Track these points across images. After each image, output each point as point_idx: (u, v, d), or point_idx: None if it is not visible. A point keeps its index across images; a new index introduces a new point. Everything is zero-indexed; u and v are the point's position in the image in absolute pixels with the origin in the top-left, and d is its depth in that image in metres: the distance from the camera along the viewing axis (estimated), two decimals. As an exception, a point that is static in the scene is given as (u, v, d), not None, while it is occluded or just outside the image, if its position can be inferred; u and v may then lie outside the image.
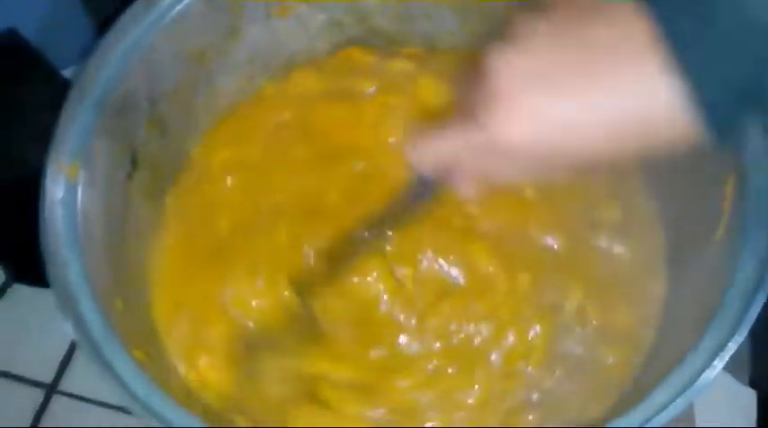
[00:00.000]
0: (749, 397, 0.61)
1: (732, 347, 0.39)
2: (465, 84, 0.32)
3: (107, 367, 0.38)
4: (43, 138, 0.45)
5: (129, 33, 0.47)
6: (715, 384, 0.57)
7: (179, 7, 0.48)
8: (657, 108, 0.27)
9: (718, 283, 0.40)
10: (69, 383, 0.67)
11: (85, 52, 0.48)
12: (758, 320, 0.60)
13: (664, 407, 0.38)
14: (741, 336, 0.39)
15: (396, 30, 0.56)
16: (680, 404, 0.38)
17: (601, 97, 0.28)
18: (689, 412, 0.58)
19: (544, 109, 0.29)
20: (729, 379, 0.62)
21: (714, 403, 0.59)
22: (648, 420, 0.37)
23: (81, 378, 0.67)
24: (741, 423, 0.59)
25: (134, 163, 0.48)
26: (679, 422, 0.57)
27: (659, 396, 0.38)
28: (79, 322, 0.39)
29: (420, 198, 0.40)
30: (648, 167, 0.49)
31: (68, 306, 0.39)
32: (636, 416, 0.38)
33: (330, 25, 0.55)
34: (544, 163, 0.31)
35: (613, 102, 0.28)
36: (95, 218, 0.44)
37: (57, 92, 0.68)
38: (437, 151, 0.34)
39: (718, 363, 0.38)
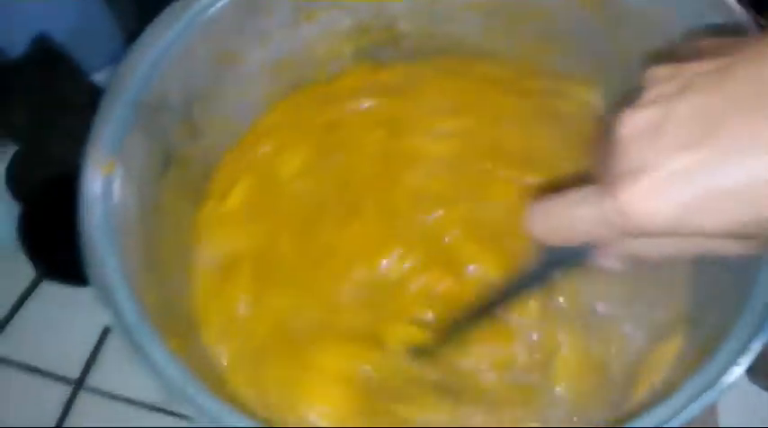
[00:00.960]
0: (769, 402, 0.61)
1: (755, 348, 0.39)
2: (598, 150, 0.28)
3: (143, 354, 0.39)
4: (75, 139, 0.46)
5: (164, 34, 0.48)
6: (736, 389, 0.58)
7: (212, 10, 0.50)
8: None
9: (743, 283, 0.41)
10: (96, 380, 0.68)
11: (113, 59, 0.49)
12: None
13: (683, 408, 0.38)
14: (765, 337, 0.39)
15: (421, 33, 0.57)
16: (697, 406, 0.38)
17: (744, 159, 0.24)
18: (712, 417, 0.58)
19: (682, 178, 0.25)
20: (750, 385, 0.62)
21: (736, 408, 0.59)
22: (666, 421, 0.38)
23: (108, 375, 0.68)
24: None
25: (167, 162, 0.50)
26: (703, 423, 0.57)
27: (680, 397, 0.38)
28: (116, 313, 0.40)
29: (550, 270, 0.36)
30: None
31: (106, 297, 0.40)
32: (654, 416, 0.38)
33: (356, 31, 0.57)
34: (690, 239, 0.27)
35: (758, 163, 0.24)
36: (131, 214, 0.45)
37: (87, 94, 0.71)
38: (565, 222, 0.30)
39: (740, 366, 0.38)
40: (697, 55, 0.26)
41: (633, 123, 0.26)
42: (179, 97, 0.50)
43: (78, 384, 0.68)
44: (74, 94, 0.70)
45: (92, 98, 0.58)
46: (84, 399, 0.67)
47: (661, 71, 0.27)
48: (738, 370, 0.38)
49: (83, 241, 0.42)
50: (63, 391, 0.67)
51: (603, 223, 0.27)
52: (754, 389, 0.59)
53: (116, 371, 0.68)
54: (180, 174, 0.50)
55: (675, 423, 0.37)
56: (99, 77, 0.74)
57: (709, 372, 0.39)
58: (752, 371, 0.58)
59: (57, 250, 0.67)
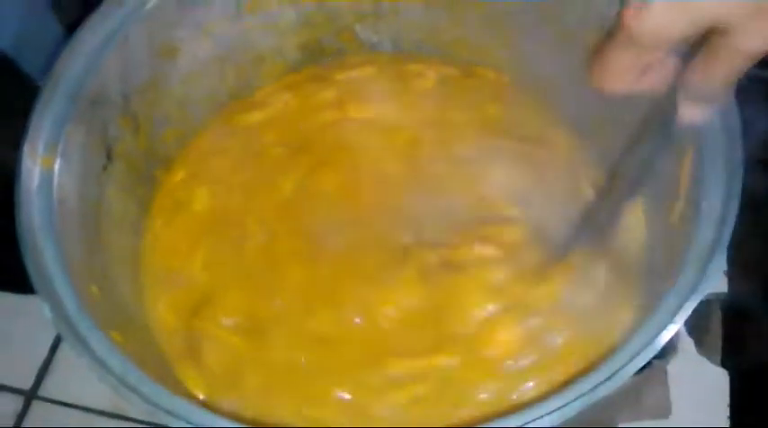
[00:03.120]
0: (722, 378, 0.62)
1: (689, 307, 0.39)
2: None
3: (84, 346, 0.38)
4: (18, 146, 0.45)
5: (104, 27, 0.48)
6: (689, 365, 0.59)
7: (153, 1, 0.50)
8: None
9: (680, 247, 0.42)
10: (49, 389, 0.67)
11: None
12: (727, 303, 0.62)
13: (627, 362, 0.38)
14: (698, 297, 0.39)
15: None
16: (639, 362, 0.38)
17: None
18: (664, 389, 0.59)
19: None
20: (703, 361, 0.63)
21: (686, 380, 0.60)
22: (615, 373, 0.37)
23: (60, 384, 0.67)
24: (715, 401, 0.60)
25: (109, 156, 0.49)
26: (656, 406, 0.58)
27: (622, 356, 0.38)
28: (56, 305, 0.39)
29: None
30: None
31: (46, 290, 0.40)
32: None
33: (300, 24, 0.57)
34: None
35: None
36: (72, 208, 0.44)
37: (32, 100, 0.69)
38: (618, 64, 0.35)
39: (675, 324, 0.39)
40: None
41: None
42: (119, 91, 0.49)
43: (31, 394, 0.66)
44: (19, 100, 0.69)
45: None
46: (37, 409, 0.66)
47: None
48: (674, 328, 0.38)
49: (20, 233, 0.41)
50: (16, 402, 0.66)
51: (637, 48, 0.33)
52: (702, 361, 0.60)
53: (69, 380, 0.66)
54: (123, 172, 0.50)
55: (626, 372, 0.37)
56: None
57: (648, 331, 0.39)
58: (700, 344, 0.59)
59: (6, 258, 0.65)
